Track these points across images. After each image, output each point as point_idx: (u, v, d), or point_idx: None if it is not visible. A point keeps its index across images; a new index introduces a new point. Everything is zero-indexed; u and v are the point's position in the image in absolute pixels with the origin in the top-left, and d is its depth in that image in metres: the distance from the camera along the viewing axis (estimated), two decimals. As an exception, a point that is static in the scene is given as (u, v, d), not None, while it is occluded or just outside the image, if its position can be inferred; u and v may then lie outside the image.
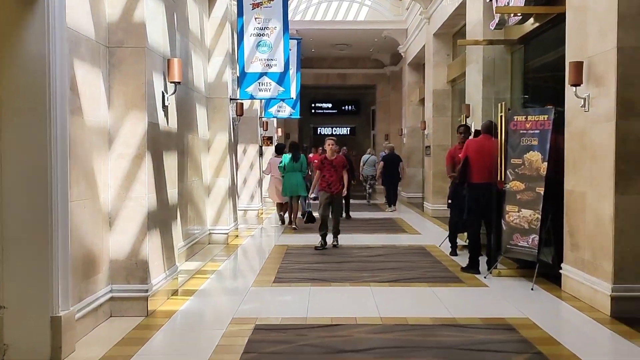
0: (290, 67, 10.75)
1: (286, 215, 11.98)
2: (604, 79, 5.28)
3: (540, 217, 6.40)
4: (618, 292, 5.12)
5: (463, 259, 7.90)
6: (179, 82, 5.81)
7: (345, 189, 9.30)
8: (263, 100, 14.24)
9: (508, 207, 6.79)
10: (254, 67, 9.76)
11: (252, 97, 10.07)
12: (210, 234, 9.54)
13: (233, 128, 10.20)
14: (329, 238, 9.12)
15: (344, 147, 13.61)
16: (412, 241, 9.81)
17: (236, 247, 9.32)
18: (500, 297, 5.98)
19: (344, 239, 9.77)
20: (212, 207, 9.63)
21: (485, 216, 7.08)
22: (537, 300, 5.85)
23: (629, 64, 5.05)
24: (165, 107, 5.76)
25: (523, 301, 5.78)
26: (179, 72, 5.74)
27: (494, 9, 7.81)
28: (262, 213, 14.20)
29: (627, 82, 5.06)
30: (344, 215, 12.37)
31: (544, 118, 6.43)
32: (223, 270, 7.58)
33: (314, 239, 9.33)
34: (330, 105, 27.30)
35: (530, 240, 6.52)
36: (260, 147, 14.53)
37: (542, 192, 6.40)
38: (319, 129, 27.30)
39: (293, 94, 12.13)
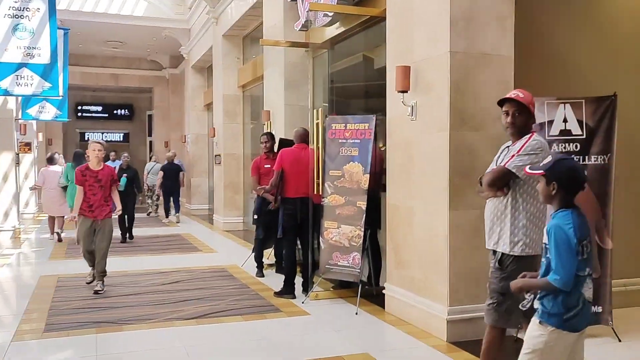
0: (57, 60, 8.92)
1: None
2: (434, 86, 4.93)
3: (362, 233, 5.91)
4: (454, 314, 4.78)
5: (272, 281, 7.15)
6: None
7: (117, 210, 7.07)
8: (20, 98, 11.87)
9: (326, 223, 6.20)
10: (10, 56, 7.84)
11: (7, 93, 8.10)
12: (-52, 267, 7.35)
13: (-19, 131, 8.07)
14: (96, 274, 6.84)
15: (125, 154, 11.63)
16: (210, 261, 8.77)
17: (-13, 283, 7.31)
18: (328, 328, 5.29)
19: (129, 263, 8.35)
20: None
21: (301, 234, 6.40)
22: (368, 328, 5.30)
23: (462, 69, 4.75)
24: None
25: (353, 331, 5.19)
26: None
27: (304, 7, 7.21)
28: (19, 234, 11.78)
29: (459, 89, 4.76)
30: (127, 238, 10.77)
31: (365, 126, 5.96)
32: (-31, 319, 5.70)
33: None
34: (100, 108, 24.67)
35: (351, 258, 6.00)
36: (17, 154, 12.05)
37: (363, 207, 5.92)
38: (87, 134, 24.38)
39: (61, 91, 10.19)
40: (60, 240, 10.71)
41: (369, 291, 6.26)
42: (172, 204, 14.47)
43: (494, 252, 3.50)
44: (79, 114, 23.56)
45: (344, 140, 6.09)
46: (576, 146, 4.79)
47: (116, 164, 11.57)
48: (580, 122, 4.79)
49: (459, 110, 4.76)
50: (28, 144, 13.59)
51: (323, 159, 6.23)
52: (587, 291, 2.77)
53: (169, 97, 21.01)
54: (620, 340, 4.76)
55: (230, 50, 12.93)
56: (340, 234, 6.08)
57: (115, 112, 24.91)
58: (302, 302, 6.10)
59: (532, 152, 3.33)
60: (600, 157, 4.80)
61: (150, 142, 22.90)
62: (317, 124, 6.29)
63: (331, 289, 6.62)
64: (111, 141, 25.26)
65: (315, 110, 6.39)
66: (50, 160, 10.99)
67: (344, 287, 6.50)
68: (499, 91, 4.58)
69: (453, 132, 4.75)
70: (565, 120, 4.79)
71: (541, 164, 2.90)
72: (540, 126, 4.69)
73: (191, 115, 16.94)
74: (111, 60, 20.31)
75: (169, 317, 5.61)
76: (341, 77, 8.38)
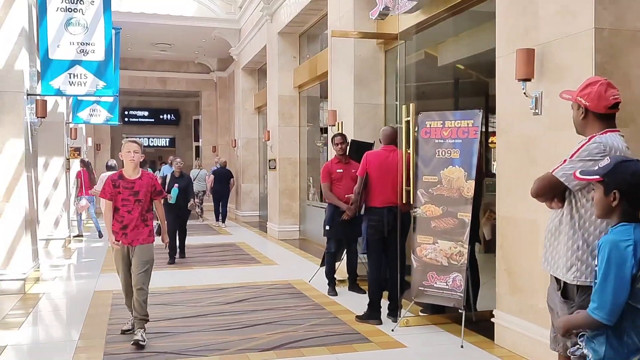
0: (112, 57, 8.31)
1: None
2: (569, 72, 4.03)
3: (465, 250, 5.02)
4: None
5: (347, 300, 6.34)
6: None
7: (163, 236, 5.43)
8: (71, 101, 11.39)
9: (419, 238, 5.32)
10: (63, 53, 7.24)
11: (59, 93, 7.49)
12: (-4, 282, 6.77)
13: (32, 135, 7.49)
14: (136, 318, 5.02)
15: (178, 160, 9.58)
16: (273, 276, 7.99)
17: (37, 299, 6.69)
18: (432, 365, 4.43)
19: (187, 277, 7.67)
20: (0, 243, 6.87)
21: (389, 249, 5.54)
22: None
23: (608, 50, 3.83)
24: None
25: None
26: None
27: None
28: (69, 242, 11.26)
29: (604, 75, 3.83)
30: (177, 256, 9.12)
31: (468, 124, 5.06)
32: (17, 347, 5.03)
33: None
34: (146, 113, 24.40)
35: (451, 280, 5.10)
36: (68, 159, 11.55)
37: (466, 219, 5.02)
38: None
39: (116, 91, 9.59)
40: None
41: (467, 316, 5.36)
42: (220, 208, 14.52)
43: (556, 279, 2.71)
44: (126, 119, 23.27)
45: (442, 141, 5.20)
46: None
47: (167, 171, 10.95)
48: None
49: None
50: (78, 149, 13.06)
51: (415, 163, 5.36)
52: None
53: (217, 101, 20.49)
54: None
55: (286, 48, 12.19)
56: (436, 251, 5.20)
57: (161, 116, 24.64)
58: (392, 330, 5.23)
59: (588, 158, 2.56)
60: None
61: (197, 147, 22.45)
62: (408, 121, 5.42)
63: (420, 314, 5.74)
64: (157, 146, 25.00)
65: (404, 106, 5.52)
66: (110, 167, 10.46)
67: (435, 312, 5.61)
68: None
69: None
70: None
71: (597, 168, 2.30)
72: None
73: (242, 119, 16.29)
74: (159, 64, 19.91)
75: (241, 347, 4.82)
76: (420, 72, 7.52)
